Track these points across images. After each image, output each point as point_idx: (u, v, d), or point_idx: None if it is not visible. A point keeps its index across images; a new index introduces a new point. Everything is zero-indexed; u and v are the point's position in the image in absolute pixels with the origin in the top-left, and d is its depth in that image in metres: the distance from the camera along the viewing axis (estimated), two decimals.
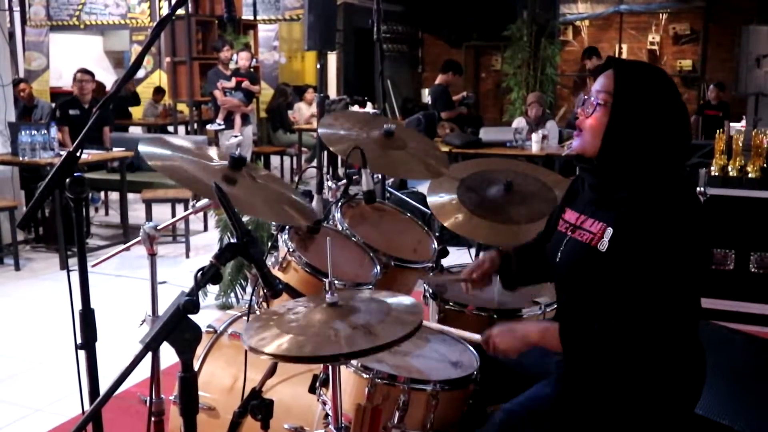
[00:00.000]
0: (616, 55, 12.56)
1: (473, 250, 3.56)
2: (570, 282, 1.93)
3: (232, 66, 8.51)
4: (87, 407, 1.85)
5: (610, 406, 1.80)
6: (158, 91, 10.99)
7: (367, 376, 1.89)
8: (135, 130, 10.47)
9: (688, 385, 1.84)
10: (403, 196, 5.35)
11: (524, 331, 1.85)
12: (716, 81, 9.88)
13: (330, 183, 2.77)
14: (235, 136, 8.15)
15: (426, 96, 8.44)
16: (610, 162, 1.78)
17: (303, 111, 10.27)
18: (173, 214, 6.56)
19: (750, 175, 4.41)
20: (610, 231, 1.77)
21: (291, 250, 2.33)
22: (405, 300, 1.80)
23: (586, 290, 1.85)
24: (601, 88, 1.78)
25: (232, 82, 8.25)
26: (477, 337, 1.96)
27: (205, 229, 7.10)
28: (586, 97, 1.83)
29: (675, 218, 1.70)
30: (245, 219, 4.58)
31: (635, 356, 1.73)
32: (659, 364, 1.77)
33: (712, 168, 4.52)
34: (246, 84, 8.27)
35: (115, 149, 6.89)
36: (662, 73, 1.83)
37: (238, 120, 8.25)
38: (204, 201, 2.43)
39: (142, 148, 2.18)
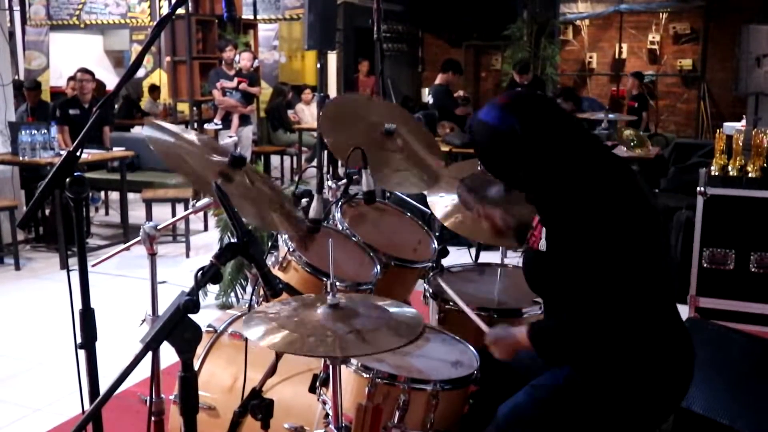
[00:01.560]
0: (616, 55, 12.57)
1: (473, 250, 3.56)
2: (533, 290, 2.01)
3: (235, 66, 8.52)
4: (87, 407, 1.85)
5: (601, 396, 1.82)
6: (153, 89, 10.99)
7: (368, 375, 1.89)
8: (134, 130, 10.47)
9: (672, 373, 1.85)
10: (403, 196, 5.34)
11: (515, 338, 1.93)
12: (717, 81, 9.77)
13: (330, 183, 2.77)
14: (230, 137, 8.15)
15: (426, 95, 8.43)
16: (533, 191, 1.93)
17: (305, 112, 10.27)
18: (173, 214, 6.56)
19: (750, 175, 4.41)
20: (544, 230, 1.89)
21: (291, 249, 2.34)
22: (408, 312, 1.81)
23: (545, 295, 1.98)
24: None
25: (234, 83, 8.26)
26: (485, 328, 2.07)
27: (205, 229, 7.09)
28: None
29: (591, 207, 1.76)
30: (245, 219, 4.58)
31: (594, 343, 1.78)
32: (632, 350, 1.80)
33: (712, 168, 4.52)
34: (243, 86, 8.27)
35: (115, 149, 6.89)
36: (475, 128, 1.91)
37: (235, 120, 8.25)
38: (204, 201, 2.44)
39: (147, 131, 2.18)
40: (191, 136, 2.34)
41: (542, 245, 1.87)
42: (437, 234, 2.84)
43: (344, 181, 2.77)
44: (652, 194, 1.93)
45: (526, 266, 1.98)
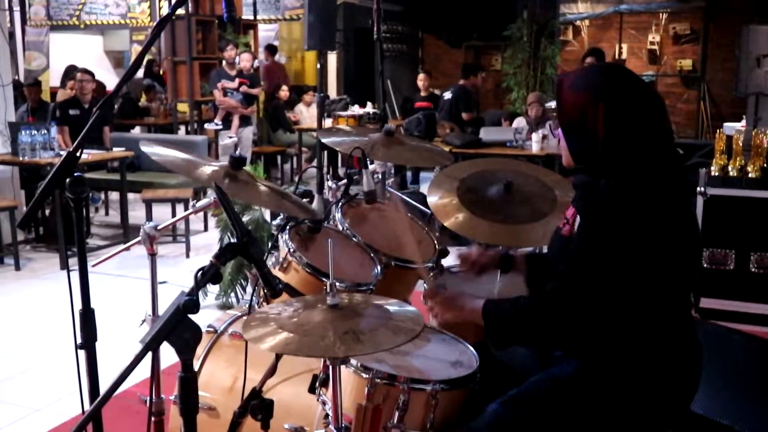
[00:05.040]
0: (616, 56, 12.57)
1: (473, 248, 3.55)
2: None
3: (236, 66, 8.52)
4: (87, 407, 1.85)
5: (606, 398, 1.82)
6: (150, 89, 10.99)
7: (367, 376, 1.89)
8: (134, 130, 10.47)
9: (681, 379, 1.85)
10: (403, 196, 5.34)
11: (459, 304, 1.98)
12: (717, 81, 9.73)
13: (330, 183, 2.77)
14: (230, 137, 8.16)
15: (442, 92, 8.49)
16: (585, 168, 1.87)
17: (304, 113, 10.27)
18: (173, 214, 6.55)
19: (750, 175, 4.41)
20: (578, 218, 1.85)
21: (291, 250, 2.33)
22: (408, 310, 1.81)
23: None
24: (556, 112, 1.86)
25: (235, 83, 8.26)
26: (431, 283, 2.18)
27: (205, 229, 7.10)
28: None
29: (617, 207, 1.74)
30: (245, 219, 4.59)
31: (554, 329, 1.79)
32: (638, 353, 1.79)
33: (712, 168, 4.52)
34: (243, 88, 8.28)
35: (115, 149, 6.89)
36: (593, 72, 1.89)
37: (235, 121, 8.26)
38: (204, 201, 2.44)
39: (147, 149, 2.20)
40: (183, 154, 2.35)
41: (574, 233, 1.86)
42: (437, 234, 2.83)
43: (344, 181, 2.77)
44: (691, 199, 1.93)
45: (558, 252, 1.93)
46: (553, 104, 7.22)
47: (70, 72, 8.72)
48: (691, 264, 1.85)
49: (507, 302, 1.89)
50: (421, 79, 9.41)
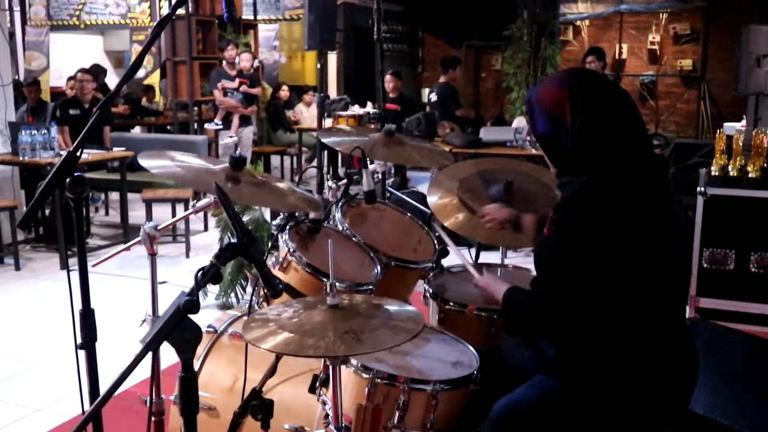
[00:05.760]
0: (616, 56, 12.57)
1: (473, 250, 3.56)
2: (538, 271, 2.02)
3: (236, 66, 8.52)
4: (87, 407, 1.85)
5: (602, 399, 1.82)
6: (148, 89, 10.98)
7: (367, 375, 1.89)
8: (134, 130, 10.47)
9: (675, 378, 1.85)
10: (404, 196, 5.35)
11: (495, 293, 2.08)
12: (717, 81, 9.71)
13: (330, 183, 2.77)
14: (230, 137, 8.16)
15: (427, 95, 8.42)
16: (563, 170, 1.91)
17: (304, 113, 10.27)
18: (173, 214, 6.55)
19: (750, 175, 4.40)
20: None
21: (291, 250, 2.33)
22: (407, 310, 1.81)
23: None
24: (528, 129, 1.90)
25: (235, 83, 8.26)
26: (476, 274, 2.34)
27: (205, 229, 7.10)
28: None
29: (587, 204, 1.76)
30: (245, 219, 4.59)
31: (584, 339, 1.81)
32: (631, 351, 1.79)
33: (712, 168, 4.52)
34: (243, 88, 8.28)
35: (115, 149, 6.89)
36: (555, 78, 1.94)
37: (235, 121, 8.26)
38: (204, 201, 2.44)
39: (146, 163, 2.21)
40: (185, 157, 2.36)
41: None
42: (437, 234, 2.84)
43: (344, 181, 2.77)
44: (677, 198, 1.94)
45: (536, 253, 1.96)
46: None
47: (95, 71, 8.76)
48: (672, 261, 1.84)
49: (522, 294, 1.96)
50: (388, 81, 8.93)
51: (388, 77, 8.94)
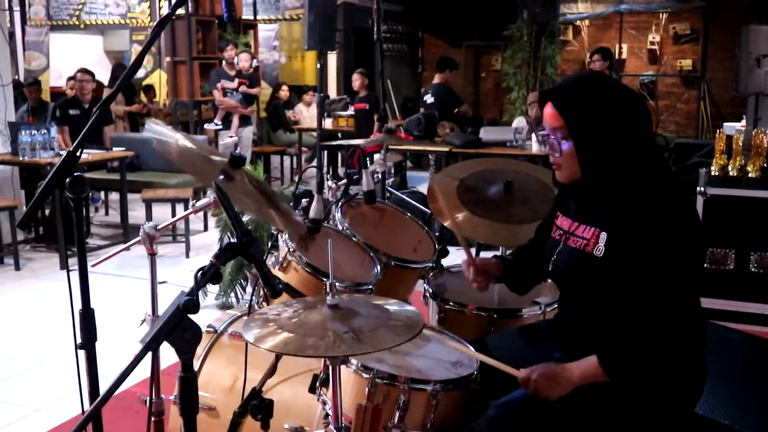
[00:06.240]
0: (616, 55, 12.56)
1: (473, 250, 3.55)
2: (567, 288, 1.97)
3: (236, 66, 8.52)
4: (87, 407, 1.85)
5: (610, 403, 1.81)
6: (148, 89, 10.98)
7: (368, 375, 1.89)
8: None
9: (690, 383, 1.84)
10: (404, 196, 5.35)
11: (566, 376, 1.80)
12: (717, 81, 9.69)
13: (330, 183, 2.77)
14: (230, 137, 8.16)
15: (423, 95, 8.40)
16: (595, 179, 1.83)
17: (304, 113, 10.27)
18: (173, 214, 6.55)
19: (750, 175, 4.40)
20: (604, 236, 1.81)
21: (291, 250, 2.33)
22: (407, 310, 1.81)
23: (585, 295, 1.89)
24: (554, 124, 1.83)
25: (235, 83, 8.26)
26: (515, 372, 1.87)
27: (205, 229, 7.09)
28: (544, 135, 1.87)
29: (669, 218, 1.74)
30: (245, 219, 4.59)
31: (672, 360, 1.77)
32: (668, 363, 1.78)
33: (712, 168, 4.52)
34: (243, 88, 8.28)
35: (115, 149, 6.89)
36: (597, 78, 1.90)
37: (235, 120, 8.26)
38: (204, 200, 2.43)
39: (149, 131, 2.18)
40: (187, 140, 2.34)
41: (598, 250, 1.80)
42: (437, 234, 2.84)
43: (344, 181, 2.77)
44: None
45: (570, 265, 1.89)
46: None
47: (116, 70, 8.59)
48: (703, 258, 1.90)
49: (621, 348, 1.78)
50: (356, 79, 8.61)
51: (355, 75, 8.71)
